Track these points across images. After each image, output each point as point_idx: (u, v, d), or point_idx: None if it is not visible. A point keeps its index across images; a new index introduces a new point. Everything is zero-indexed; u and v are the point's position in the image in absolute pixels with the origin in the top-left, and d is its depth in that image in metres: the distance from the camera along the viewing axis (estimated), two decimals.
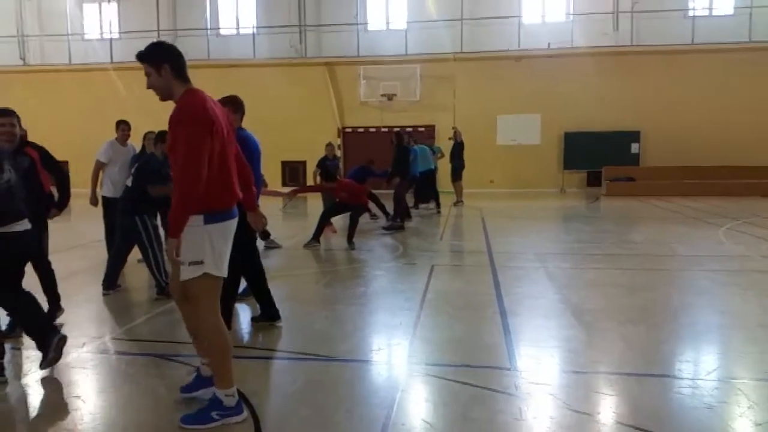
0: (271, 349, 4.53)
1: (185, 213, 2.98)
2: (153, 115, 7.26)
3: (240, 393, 3.32)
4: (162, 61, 3.07)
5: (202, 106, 3.01)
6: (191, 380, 3.60)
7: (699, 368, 4.06)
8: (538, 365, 4.05)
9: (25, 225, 3.90)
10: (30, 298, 4.03)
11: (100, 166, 7.03)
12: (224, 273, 3.18)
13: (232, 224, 3.22)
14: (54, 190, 5.17)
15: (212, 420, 3.12)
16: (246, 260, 4.82)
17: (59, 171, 5.13)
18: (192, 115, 2.98)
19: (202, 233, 3.05)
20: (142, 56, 3.11)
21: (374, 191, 11.63)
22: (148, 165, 5.90)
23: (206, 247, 3.06)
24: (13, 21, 22.24)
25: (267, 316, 5.06)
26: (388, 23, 21.37)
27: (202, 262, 3.06)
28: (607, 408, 3.40)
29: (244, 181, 3.46)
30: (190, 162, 2.92)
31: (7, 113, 4.64)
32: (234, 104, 4.78)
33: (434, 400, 3.55)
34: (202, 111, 2.99)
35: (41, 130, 20.42)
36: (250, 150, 4.67)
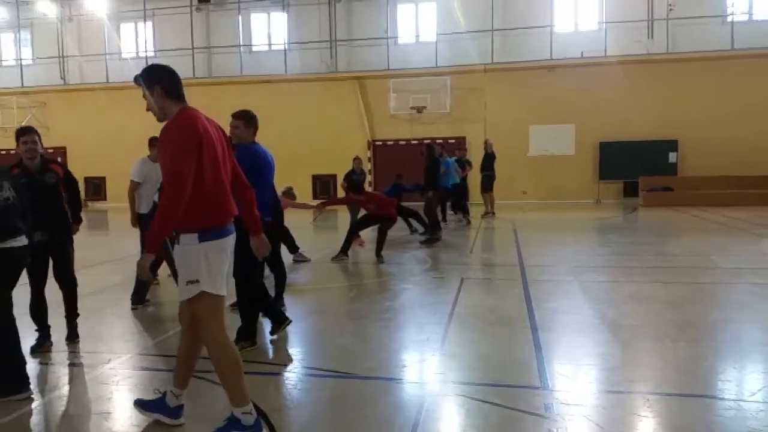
0: (295, 365, 4.45)
1: (163, 230, 2.95)
2: None
3: (260, 411, 3.25)
4: (153, 83, 3.10)
5: (192, 124, 2.99)
6: (152, 398, 3.46)
7: (742, 388, 3.85)
8: (571, 384, 3.88)
9: (21, 241, 3.92)
10: (9, 323, 3.87)
11: (135, 186, 7.04)
12: (222, 291, 3.12)
13: (229, 241, 3.16)
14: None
15: None
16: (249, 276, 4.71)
17: (75, 189, 5.23)
18: (178, 132, 2.97)
19: (198, 251, 3.01)
20: (136, 80, 3.15)
21: (405, 204, 11.58)
22: None
23: (202, 266, 3.01)
24: (54, 43, 23.02)
25: (277, 322, 4.99)
26: (417, 36, 21.37)
27: (197, 281, 3.00)
28: (644, 430, 3.23)
29: (244, 202, 3.37)
30: (173, 179, 2.90)
31: (29, 131, 4.73)
32: (246, 118, 4.72)
33: (460, 421, 3.43)
34: (190, 129, 2.97)
35: (80, 147, 21.28)
36: (257, 165, 4.57)
